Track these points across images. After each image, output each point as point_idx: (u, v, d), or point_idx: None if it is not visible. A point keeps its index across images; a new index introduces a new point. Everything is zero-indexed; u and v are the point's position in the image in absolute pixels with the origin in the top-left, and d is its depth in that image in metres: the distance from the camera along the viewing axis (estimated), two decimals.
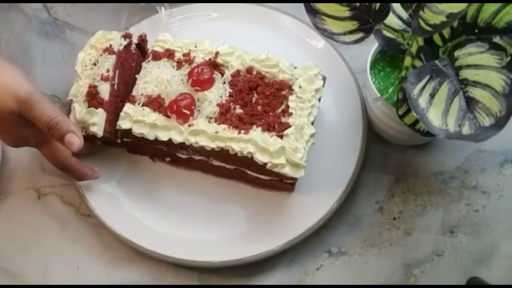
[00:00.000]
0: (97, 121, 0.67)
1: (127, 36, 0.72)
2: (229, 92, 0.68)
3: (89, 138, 0.69)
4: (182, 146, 0.67)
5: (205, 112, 0.67)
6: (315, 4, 0.64)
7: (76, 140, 0.62)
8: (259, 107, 0.67)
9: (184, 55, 0.71)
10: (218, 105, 0.67)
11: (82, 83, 0.69)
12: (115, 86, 0.71)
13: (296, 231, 0.68)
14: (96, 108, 0.68)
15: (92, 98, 0.68)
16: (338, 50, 0.78)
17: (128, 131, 0.67)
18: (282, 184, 0.69)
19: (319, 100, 0.69)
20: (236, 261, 0.67)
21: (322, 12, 0.64)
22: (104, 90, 0.69)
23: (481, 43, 0.57)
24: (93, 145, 0.71)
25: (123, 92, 0.72)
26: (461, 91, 0.57)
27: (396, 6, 0.66)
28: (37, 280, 0.68)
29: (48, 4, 0.86)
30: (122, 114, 0.67)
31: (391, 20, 0.65)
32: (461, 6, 0.54)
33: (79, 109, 0.68)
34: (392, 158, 0.74)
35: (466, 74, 0.57)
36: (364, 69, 0.69)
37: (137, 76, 0.71)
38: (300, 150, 0.64)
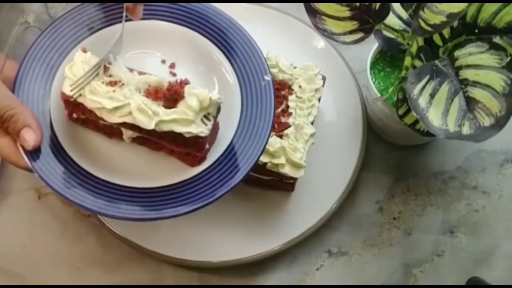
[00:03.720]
0: None
1: None
2: None
3: None
4: None
5: None
6: (315, 4, 0.64)
7: (30, 136, 0.53)
8: None
9: None
10: None
11: None
12: None
13: (296, 231, 0.68)
14: None
15: None
16: (338, 50, 0.78)
17: None
18: (282, 184, 0.69)
19: (319, 100, 0.69)
20: (236, 261, 0.67)
21: (322, 12, 0.64)
22: None
23: (481, 43, 0.57)
24: None
25: None
26: (461, 91, 0.57)
27: (396, 6, 0.66)
28: (37, 280, 0.68)
29: (49, 4, 0.86)
30: None
31: (391, 20, 0.65)
32: (461, 6, 0.54)
33: None
34: (392, 158, 0.74)
35: (466, 74, 0.57)
36: (364, 69, 0.69)
37: None
38: (300, 150, 0.64)
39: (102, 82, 0.56)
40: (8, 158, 0.55)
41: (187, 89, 0.54)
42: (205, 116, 0.55)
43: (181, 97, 0.54)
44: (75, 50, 0.60)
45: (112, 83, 0.56)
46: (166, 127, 0.54)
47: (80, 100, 0.55)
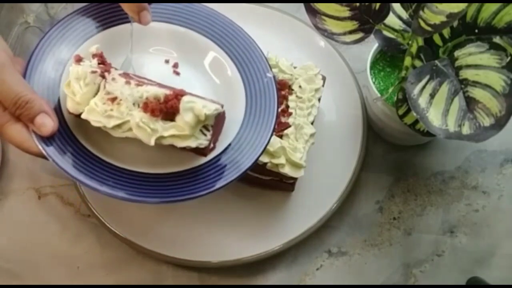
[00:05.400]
0: None
1: None
2: None
3: None
4: None
5: None
6: (315, 4, 0.64)
7: (49, 122, 0.54)
8: None
9: None
10: None
11: None
12: None
13: (296, 231, 0.68)
14: None
15: None
16: (338, 50, 0.78)
17: None
18: (282, 184, 0.69)
19: (319, 100, 0.69)
20: (236, 261, 0.67)
21: (322, 12, 0.64)
22: None
23: (481, 43, 0.57)
24: None
25: None
26: (461, 91, 0.57)
27: (396, 6, 0.66)
28: (37, 280, 0.68)
29: (49, 4, 0.86)
30: None
31: (391, 20, 0.66)
32: (461, 6, 0.54)
33: None
34: (392, 158, 0.74)
35: (466, 74, 0.57)
36: (364, 69, 0.69)
37: None
38: (300, 150, 0.64)
39: (101, 100, 0.56)
40: (20, 145, 0.55)
41: (182, 104, 0.54)
42: (204, 126, 0.56)
43: (178, 111, 0.54)
44: (86, 44, 0.61)
45: (111, 100, 0.56)
46: (166, 142, 0.55)
47: (83, 116, 0.56)
